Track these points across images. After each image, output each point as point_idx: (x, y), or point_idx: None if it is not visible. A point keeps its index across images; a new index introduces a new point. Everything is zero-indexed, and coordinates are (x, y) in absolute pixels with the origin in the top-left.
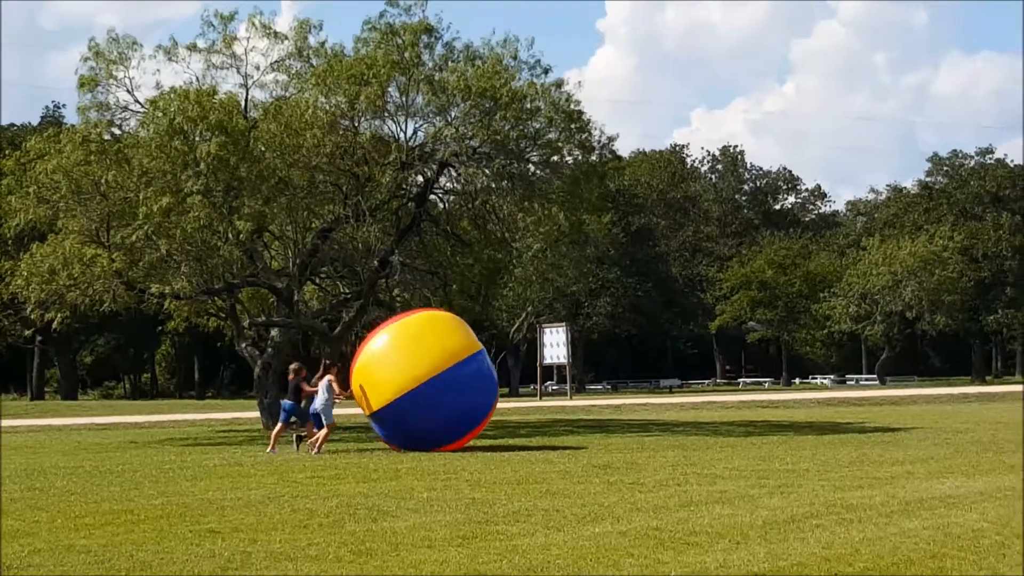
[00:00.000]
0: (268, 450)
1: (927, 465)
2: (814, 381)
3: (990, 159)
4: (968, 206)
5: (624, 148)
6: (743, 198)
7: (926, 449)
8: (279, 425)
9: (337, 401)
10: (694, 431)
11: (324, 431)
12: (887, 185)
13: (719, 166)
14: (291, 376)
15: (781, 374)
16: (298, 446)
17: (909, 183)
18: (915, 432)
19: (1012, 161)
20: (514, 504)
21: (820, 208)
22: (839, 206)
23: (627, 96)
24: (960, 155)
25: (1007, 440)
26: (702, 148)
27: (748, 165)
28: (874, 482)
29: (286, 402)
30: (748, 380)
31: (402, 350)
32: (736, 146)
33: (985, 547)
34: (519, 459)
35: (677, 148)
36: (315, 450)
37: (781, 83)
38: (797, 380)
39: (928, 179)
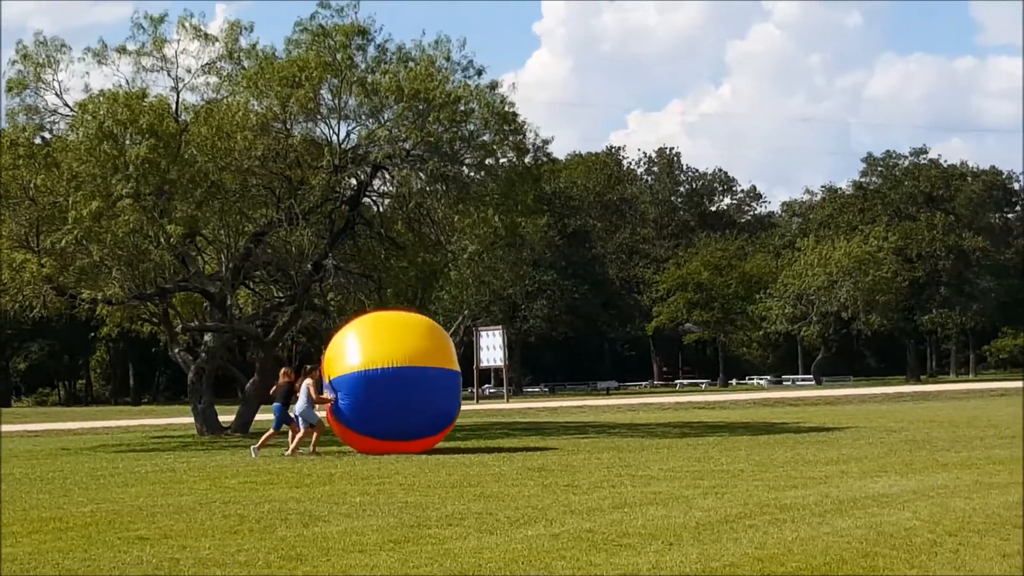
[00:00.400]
0: (287, 453)
1: (861, 464)
2: (751, 382)
3: (924, 159)
4: (902, 206)
5: (561, 150)
6: (679, 200)
7: (860, 448)
8: (300, 432)
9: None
10: (630, 433)
11: (314, 433)
12: (822, 186)
13: (655, 168)
14: (282, 380)
15: (718, 375)
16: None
17: (844, 184)
18: (850, 431)
19: (946, 161)
20: (447, 507)
21: (756, 209)
22: (774, 207)
23: (564, 98)
24: (894, 155)
25: (940, 439)
26: (638, 150)
27: (684, 167)
28: (808, 482)
29: (276, 405)
30: (685, 381)
31: (385, 333)
32: (672, 148)
33: (917, 546)
34: (454, 462)
35: (613, 150)
36: (289, 451)
37: (717, 85)
38: (734, 381)
39: (863, 180)
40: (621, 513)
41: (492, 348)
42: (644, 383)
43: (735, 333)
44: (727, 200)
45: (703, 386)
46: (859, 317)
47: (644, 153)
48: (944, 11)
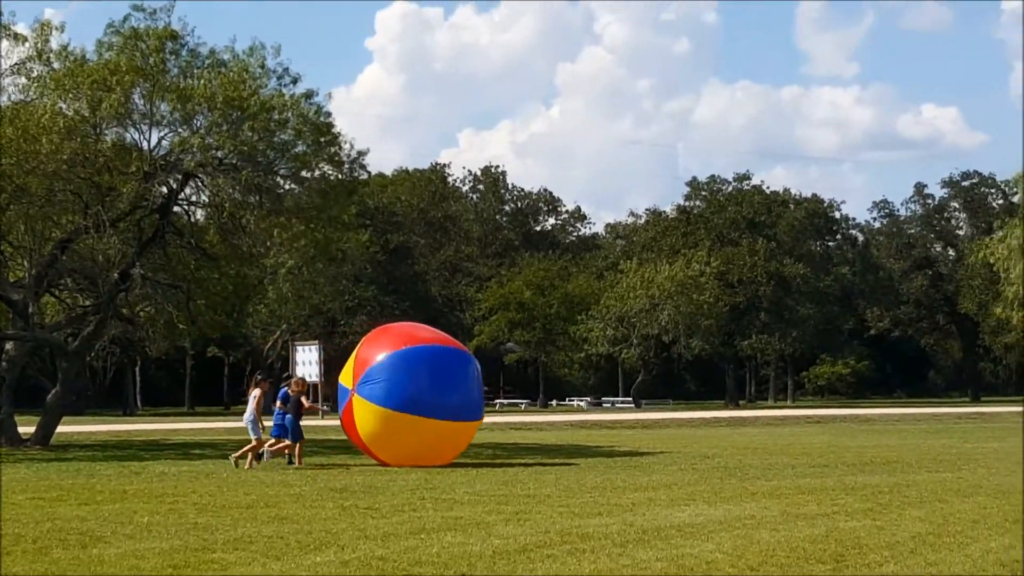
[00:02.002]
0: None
1: (670, 491)
2: (571, 403)
3: (747, 185)
4: (725, 231)
5: (391, 166)
6: (504, 218)
7: (671, 474)
8: (287, 442)
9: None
10: None
11: (253, 445)
12: (646, 209)
13: (480, 186)
14: (294, 388)
15: (538, 395)
16: (289, 460)
17: (668, 207)
18: (662, 456)
19: (769, 188)
20: (238, 530)
21: (580, 230)
22: (599, 229)
23: (396, 114)
24: (718, 180)
25: (753, 466)
26: (463, 168)
27: (509, 186)
28: (614, 509)
29: (287, 416)
30: (505, 401)
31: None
32: (498, 166)
33: None
34: (255, 480)
35: (438, 167)
36: (239, 461)
37: (548, 106)
38: (554, 402)
39: (686, 204)
40: (417, 540)
41: (308, 363)
42: None
43: (556, 354)
44: (552, 220)
45: (523, 406)
46: (680, 341)
47: (469, 171)
48: (770, 41)
